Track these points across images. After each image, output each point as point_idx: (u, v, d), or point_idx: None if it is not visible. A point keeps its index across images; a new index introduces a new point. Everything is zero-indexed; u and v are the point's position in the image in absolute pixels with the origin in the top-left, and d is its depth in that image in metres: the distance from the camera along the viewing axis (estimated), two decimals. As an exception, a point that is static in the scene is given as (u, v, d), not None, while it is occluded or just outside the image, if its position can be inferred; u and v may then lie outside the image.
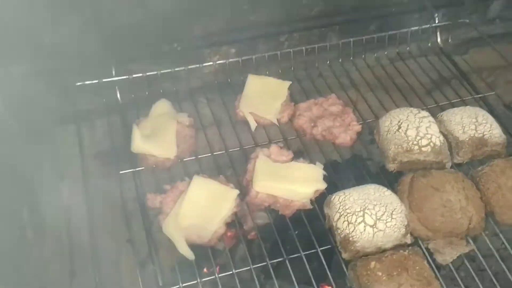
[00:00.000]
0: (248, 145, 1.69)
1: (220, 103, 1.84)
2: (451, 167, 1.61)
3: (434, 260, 1.42)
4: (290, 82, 1.83)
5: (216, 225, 1.44)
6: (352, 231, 1.35)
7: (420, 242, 1.45)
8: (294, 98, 1.85)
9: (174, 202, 1.49)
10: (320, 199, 1.52)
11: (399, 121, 1.59)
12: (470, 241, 1.45)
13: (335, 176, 1.60)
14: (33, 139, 1.67)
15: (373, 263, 1.32)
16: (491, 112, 1.73)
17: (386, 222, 1.36)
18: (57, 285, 1.59)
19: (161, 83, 1.84)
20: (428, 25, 2.04)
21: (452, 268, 1.43)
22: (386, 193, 1.44)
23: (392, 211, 1.38)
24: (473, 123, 1.60)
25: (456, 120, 1.62)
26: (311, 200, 1.52)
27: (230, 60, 1.91)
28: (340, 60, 2.01)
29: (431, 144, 1.54)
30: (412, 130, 1.56)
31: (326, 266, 1.40)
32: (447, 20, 2.11)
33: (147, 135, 1.63)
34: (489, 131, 1.59)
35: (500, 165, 1.52)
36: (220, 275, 1.39)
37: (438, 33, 2.05)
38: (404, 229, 1.38)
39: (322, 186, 1.53)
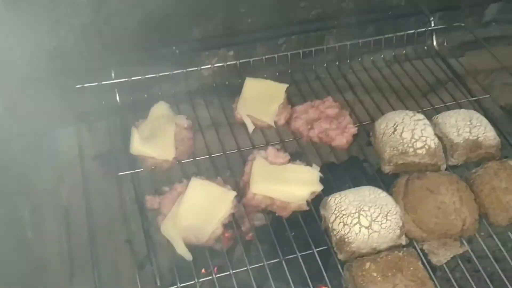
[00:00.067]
0: (246, 147, 1.71)
1: (218, 105, 1.85)
2: (446, 169, 1.62)
3: (429, 261, 1.43)
4: (287, 85, 1.84)
5: (214, 226, 1.45)
6: (347, 232, 1.37)
7: (414, 243, 1.47)
8: (291, 100, 1.86)
9: (172, 204, 1.50)
10: (316, 201, 1.53)
11: (394, 124, 1.61)
12: (464, 242, 1.47)
13: (332, 178, 1.61)
14: (33, 141, 1.67)
15: (368, 264, 1.34)
16: (486, 115, 1.74)
17: (381, 224, 1.37)
18: (56, 285, 1.59)
19: (160, 85, 1.85)
20: (424, 29, 2.05)
21: (447, 269, 1.45)
22: (381, 195, 1.45)
23: (387, 213, 1.39)
24: (467, 125, 1.62)
25: (451, 123, 1.64)
26: (307, 202, 1.53)
27: (228, 63, 1.91)
28: (337, 63, 2.02)
29: (426, 146, 1.56)
30: (407, 133, 1.58)
31: (322, 267, 1.41)
32: (443, 23, 2.12)
33: (146, 137, 1.64)
34: (483, 133, 1.60)
35: (494, 167, 1.54)
36: (217, 276, 1.40)
37: (434, 37, 2.06)
38: (399, 231, 1.40)
39: (318, 188, 1.54)
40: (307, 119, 1.75)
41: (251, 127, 1.75)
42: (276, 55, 1.93)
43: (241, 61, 1.91)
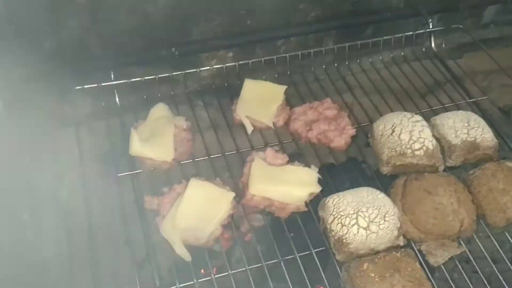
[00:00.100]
0: (245, 148, 1.71)
1: (217, 107, 1.85)
2: (444, 170, 1.62)
3: (426, 262, 1.43)
4: (286, 86, 1.84)
5: (213, 227, 1.45)
6: (345, 233, 1.38)
7: (412, 244, 1.47)
8: (290, 102, 1.86)
9: (171, 204, 1.50)
10: (315, 202, 1.54)
11: (392, 125, 1.62)
12: (462, 243, 1.48)
13: (330, 179, 1.61)
14: (32, 142, 1.68)
15: (366, 265, 1.35)
16: (484, 116, 1.75)
17: (379, 225, 1.38)
18: (56, 286, 1.59)
19: (159, 87, 1.85)
20: (423, 30, 2.06)
21: (444, 270, 1.45)
22: (379, 196, 1.46)
23: (385, 214, 1.40)
24: (465, 127, 1.62)
25: (448, 124, 1.64)
26: (306, 203, 1.53)
27: (227, 64, 1.92)
28: (335, 65, 2.03)
29: (424, 148, 1.57)
30: (405, 134, 1.58)
31: (320, 268, 1.42)
32: (441, 25, 2.14)
33: (145, 138, 1.64)
34: (481, 135, 1.61)
35: (491, 169, 1.54)
36: (216, 276, 1.41)
37: (432, 38, 2.07)
38: (396, 231, 1.40)
39: (317, 189, 1.55)
40: (305, 120, 1.76)
41: (250, 128, 1.75)
42: (275, 57, 1.93)
43: (240, 62, 1.91)
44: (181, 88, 1.90)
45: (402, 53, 2.08)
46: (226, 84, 1.94)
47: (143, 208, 1.53)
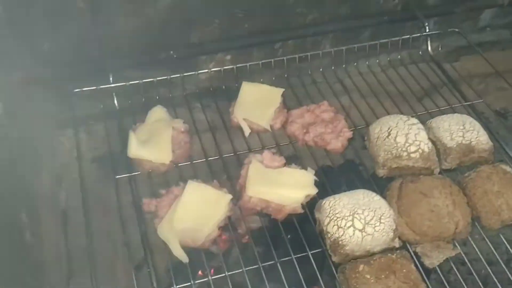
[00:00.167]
0: (242, 150, 1.71)
1: (215, 109, 1.86)
2: (440, 173, 1.63)
3: (422, 264, 1.44)
4: (283, 89, 1.85)
5: (210, 228, 1.46)
6: (341, 235, 1.39)
7: (408, 246, 1.48)
8: (287, 104, 1.86)
9: (169, 206, 1.51)
10: (311, 204, 1.54)
11: (389, 128, 1.63)
12: (457, 245, 1.49)
13: (327, 182, 1.62)
14: (31, 144, 1.68)
15: (361, 266, 1.36)
16: (479, 119, 1.76)
17: (375, 226, 1.39)
18: (54, 287, 1.61)
19: (157, 89, 1.86)
20: (419, 34, 2.06)
21: (440, 272, 1.47)
22: (375, 198, 1.47)
23: (381, 216, 1.41)
24: (460, 130, 1.64)
25: (444, 127, 1.65)
26: (302, 205, 1.54)
27: (225, 67, 1.92)
28: (333, 68, 2.03)
29: (420, 150, 1.58)
30: (401, 137, 1.59)
31: (316, 269, 1.43)
32: (438, 28, 2.15)
33: (143, 141, 1.65)
34: (476, 138, 1.62)
35: (486, 171, 1.56)
36: (213, 277, 1.41)
37: (428, 42, 2.07)
38: (392, 233, 1.42)
39: (313, 191, 1.56)
40: (302, 123, 1.77)
41: (247, 131, 1.76)
42: (272, 60, 1.94)
43: (238, 65, 1.92)
44: (179, 90, 1.90)
45: (399, 57, 2.09)
46: (224, 87, 1.94)
47: (141, 210, 1.53)
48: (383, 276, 1.34)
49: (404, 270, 1.36)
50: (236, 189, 1.60)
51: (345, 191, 1.53)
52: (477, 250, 1.50)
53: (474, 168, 1.60)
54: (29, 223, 1.49)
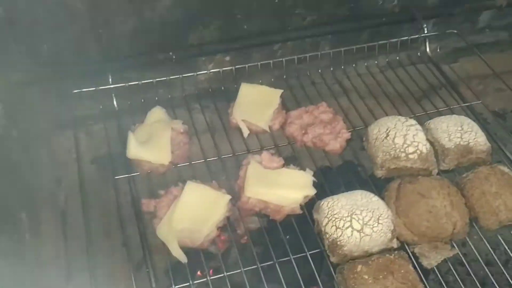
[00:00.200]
0: (241, 151, 1.72)
1: (214, 110, 1.86)
2: (438, 174, 1.64)
3: (420, 264, 1.44)
4: (282, 91, 1.85)
5: (209, 229, 1.46)
6: (339, 236, 1.39)
7: (406, 246, 1.48)
8: (286, 106, 1.87)
9: (168, 207, 1.51)
10: (310, 205, 1.55)
11: (387, 129, 1.63)
12: (455, 245, 1.49)
13: (325, 182, 1.62)
14: (31, 144, 1.69)
15: (359, 267, 1.36)
16: (477, 120, 1.77)
17: (373, 227, 1.39)
18: (53, 287, 1.61)
19: (157, 90, 1.86)
20: (418, 35, 2.07)
21: (438, 273, 1.46)
22: (373, 199, 1.47)
23: (379, 217, 1.41)
24: (458, 131, 1.64)
25: (442, 128, 1.66)
26: (300, 206, 1.55)
27: (224, 68, 1.93)
28: (331, 69, 2.04)
29: (418, 151, 1.58)
30: (399, 138, 1.60)
31: (315, 270, 1.43)
32: (436, 30, 2.15)
33: (142, 142, 1.65)
34: (474, 139, 1.62)
35: (484, 172, 1.56)
36: (212, 278, 1.42)
37: (427, 43, 2.07)
38: (390, 234, 1.42)
39: (312, 192, 1.56)
40: (301, 124, 1.77)
41: (246, 132, 1.76)
42: (271, 61, 1.94)
43: (237, 66, 1.92)
44: (179, 91, 1.91)
45: (397, 58, 2.09)
46: (223, 88, 1.95)
47: (140, 210, 1.54)
48: (381, 276, 1.34)
49: (402, 271, 1.36)
50: (234, 189, 1.60)
51: (343, 192, 1.53)
52: (475, 251, 1.50)
53: (472, 169, 1.60)
54: (28, 223, 1.49)
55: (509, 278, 1.44)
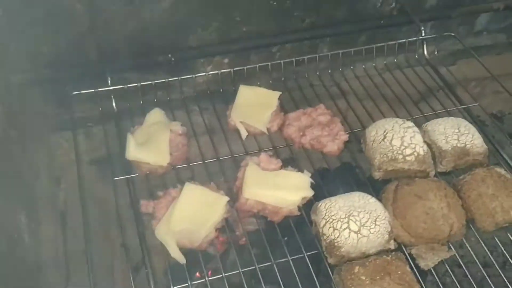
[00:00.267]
0: (239, 153, 1.72)
1: (212, 112, 1.86)
2: (435, 175, 1.64)
3: (417, 266, 1.45)
4: (280, 93, 1.85)
5: (207, 230, 1.47)
6: (337, 237, 1.40)
7: (403, 247, 1.49)
8: (284, 108, 1.87)
9: (166, 208, 1.52)
10: (308, 206, 1.55)
11: (384, 131, 1.64)
12: (452, 247, 1.50)
13: (323, 184, 1.63)
14: (30, 146, 1.69)
15: (357, 268, 1.37)
16: (474, 122, 1.78)
17: (370, 229, 1.40)
18: (52, 288, 1.62)
19: (155, 92, 1.87)
20: (415, 38, 2.07)
21: (435, 275, 1.47)
22: (371, 200, 1.48)
23: (376, 218, 1.42)
24: (455, 133, 1.64)
25: (439, 130, 1.66)
26: (298, 207, 1.55)
27: (223, 70, 1.92)
28: (329, 71, 2.04)
29: (415, 153, 1.58)
30: (397, 140, 1.60)
31: (312, 271, 1.44)
32: (434, 32, 2.16)
33: (141, 143, 1.65)
34: (471, 141, 1.63)
35: (481, 174, 1.56)
36: (210, 278, 1.43)
37: (425, 46, 2.07)
38: (387, 235, 1.43)
39: (309, 193, 1.57)
40: (299, 126, 1.77)
41: (244, 134, 1.76)
42: (269, 63, 1.94)
43: (235, 68, 1.92)
44: (177, 93, 1.91)
45: (395, 60, 2.09)
46: (221, 90, 1.94)
47: (139, 212, 1.54)
48: (378, 277, 1.35)
49: (399, 272, 1.37)
50: (233, 191, 1.61)
51: (341, 193, 1.54)
52: (472, 253, 1.51)
53: (469, 171, 1.61)
54: (28, 224, 1.50)
55: (506, 280, 1.45)
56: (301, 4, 1.98)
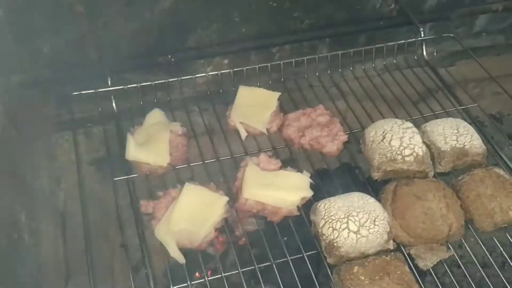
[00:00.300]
0: (239, 153, 1.73)
1: (212, 113, 1.86)
2: (434, 176, 1.64)
3: (416, 266, 1.45)
4: (280, 93, 1.86)
5: (206, 230, 1.47)
6: (336, 237, 1.40)
7: (402, 248, 1.49)
8: (283, 108, 1.88)
9: (166, 208, 1.52)
10: (307, 206, 1.55)
11: (383, 132, 1.64)
12: (450, 247, 1.50)
13: (323, 185, 1.63)
14: (30, 146, 1.69)
15: (356, 268, 1.37)
16: (473, 123, 1.78)
17: (369, 229, 1.40)
18: (52, 288, 1.62)
19: (155, 93, 1.87)
20: (414, 39, 2.07)
21: (434, 275, 1.48)
22: (370, 200, 1.48)
23: (375, 218, 1.42)
24: (454, 134, 1.65)
25: (438, 131, 1.66)
26: (298, 207, 1.55)
27: (223, 71, 1.93)
28: (329, 72, 2.04)
29: (414, 154, 1.59)
30: (396, 141, 1.61)
31: (312, 271, 1.44)
32: (433, 33, 2.16)
33: (141, 144, 1.66)
34: (470, 141, 1.63)
35: (479, 175, 1.57)
36: (209, 278, 1.43)
37: (424, 47, 2.08)
38: (386, 236, 1.43)
39: (309, 193, 1.57)
40: (298, 126, 1.78)
41: (244, 134, 1.77)
42: (269, 64, 1.95)
43: (235, 69, 1.92)
44: (177, 94, 1.91)
45: (394, 61, 2.10)
46: (221, 91, 1.95)
47: (139, 212, 1.54)
48: (377, 277, 1.35)
49: (398, 272, 1.37)
50: (232, 191, 1.61)
51: (340, 194, 1.54)
52: (471, 253, 1.51)
53: (467, 172, 1.61)
54: (28, 224, 1.50)
55: (505, 281, 1.46)
56: (301, 5, 1.99)
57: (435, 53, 2.15)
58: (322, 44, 2.15)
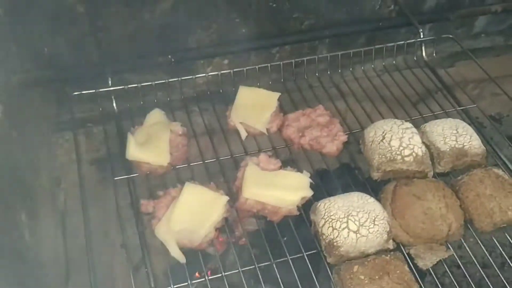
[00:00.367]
0: (239, 153, 1.73)
1: (212, 113, 1.87)
2: (433, 176, 1.65)
3: (416, 266, 1.45)
4: (280, 94, 1.86)
5: (207, 230, 1.47)
6: (336, 237, 1.40)
7: (401, 247, 1.50)
8: (283, 108, 1.88)
9: (166, 208, 1.52)
10: (307, 206, 1.56)
11: (383, 132, 1.64)
12: (450, 247, 1.51)
13: (322, 184, 1.64)
14: (31, 146, 1.70)
15: (356, 267, 1.38)
16: (473, 124, 1.78)
17: (369, 228, 1.41)
18: None
19: (156, 93, 1.87)
20: (414, 40, 2.07)
21: (434, 275, 1.48)
22: (370, 200, 1.49)
23: (375, 218, 1.43)
24: (454, 134, 1.65)
25: (438, 131, 1.67)
26: (298, 207, 1.56)
27: (223, 71, 1.93)
28: (328, 72, 2.04)
29: (414, 154, 1.59)
30: (395, 141, 1.61)
31: (312, 270, 1.44)
32: (433, 34, 2.17)
33: (142, 143, 1.66)
34: (469, 142, 1.64)
35: (479, 175, 1.57)
36: (210, 278, 1.43)
37: (423, 47, 2.08)
38: (386, 235, 1.43)
39: (309, 193, 1.57)
40: (298, 126, 1.78)
41: (244, 134, 1.77)
42: (269, 64, 1.95)
43: (235, 69, 1.93)
44: (177, 94, 1.91)
45: (394, 62, 2.10)
46: (221, 91, 1.95)
47: (139, 211, 1.55)
48: (377, 277, 1.36)
49: (398, 271, 1.37)
50: (232, 191, 1.62)
51: (340, 193, 1.54)
52: (471, 253, 1.52)
53: (467, 172, 1.62)
54: (28, 224, 1.50)
55: (504, 281, 1.46)
56: (301, 6, 1.99)
57: (434, 54, 2.16)
58: (321, 45, 2.15)
